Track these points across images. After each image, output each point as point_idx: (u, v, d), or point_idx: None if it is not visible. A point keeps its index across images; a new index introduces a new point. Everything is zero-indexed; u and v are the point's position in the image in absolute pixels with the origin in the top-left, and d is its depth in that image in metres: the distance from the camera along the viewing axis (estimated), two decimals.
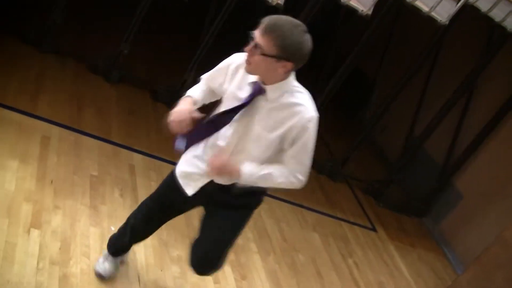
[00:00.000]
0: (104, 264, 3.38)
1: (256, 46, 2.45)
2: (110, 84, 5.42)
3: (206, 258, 3.01)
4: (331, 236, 5.28)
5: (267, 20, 2.46)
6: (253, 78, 2.63)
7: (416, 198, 6.86)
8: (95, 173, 4.20)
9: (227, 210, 2.98)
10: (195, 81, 5.49)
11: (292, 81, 2.66)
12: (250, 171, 2.72)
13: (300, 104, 2.62)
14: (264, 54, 2.45)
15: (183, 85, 5.58)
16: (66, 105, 4.79)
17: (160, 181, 4.38)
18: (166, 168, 4.64)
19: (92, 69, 5.42)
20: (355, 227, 5.74)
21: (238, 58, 2.74)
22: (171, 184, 3.05)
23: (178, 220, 4.14)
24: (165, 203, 3.16)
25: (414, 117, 7.24)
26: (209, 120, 2.81)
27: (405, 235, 6.31)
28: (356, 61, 5.89)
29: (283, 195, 5.38)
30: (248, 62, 2.53)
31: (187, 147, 2.90)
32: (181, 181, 2.97)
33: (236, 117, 2.68)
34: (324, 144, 7.07)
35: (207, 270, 3.08)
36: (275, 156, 2.76)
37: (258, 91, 2.62)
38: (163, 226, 3.96)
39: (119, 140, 4.69)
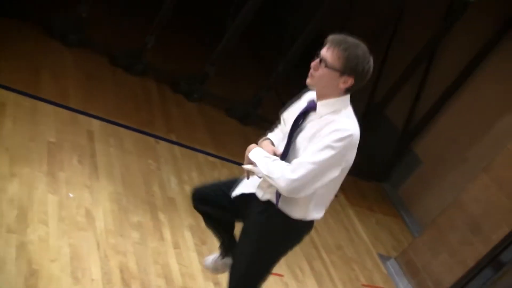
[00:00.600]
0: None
1: (321, 60, 2.49)
2: (67, 48, 5.31)
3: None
4: None
5: (333, 36, 2.51)
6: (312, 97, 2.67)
7: (376, 163, 6.94)
8: (52, 140, 4.13)
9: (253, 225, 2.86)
10: (156, 45, 5.52)
11: (346, 105, 2.64)
12: (256, 152, 2.75)
13: (341, 122, 2.57)
14: (328, 67, 2.48)
15: (143, 49, 5.52)
16: (22, 70, 4.68)
17: (118, 147, 4.40)
18: (125, 134, 4.62)
19: (49, 32, 5.29)
20: None
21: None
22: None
23: (137, 186, 4.15)
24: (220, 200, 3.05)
25: (375, 83, 7.28)
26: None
27: (364, 199, 6.40)
28: (319, 27, 5.87)
29: (237, 158, 5.38)
30: (311, 75, 2.56)
31: None
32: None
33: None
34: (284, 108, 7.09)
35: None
36: None
37: (311, 107, 2.64)
38: (122, 191, 3.98)
39: (76, 106, 4.61)
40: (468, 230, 4.88)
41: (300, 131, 2.66)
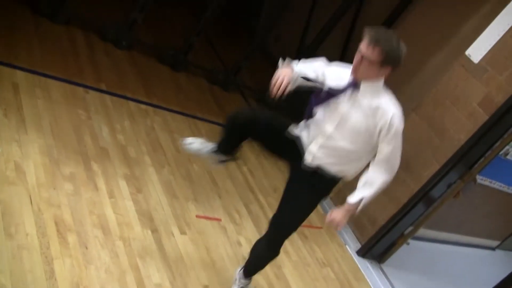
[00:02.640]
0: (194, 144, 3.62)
1: (363, 57, 2.86)
2: None
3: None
4: None
5: (371, 33, 2.86)
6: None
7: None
8: None
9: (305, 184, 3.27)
10: None
11: (382, 83, 3.02)
12: (360, 198, 3.14)
13: (385, 103, 3.00)
14: (370, 63, 2.86)
15: None
16: None
17: (46, 98, 4.26)
18: (52, 85, 4.48)
19: None
20: None
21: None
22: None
23: (68, 137, 4.05)
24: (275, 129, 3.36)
25: (305, 26, 7.27)
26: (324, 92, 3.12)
27: None
28: None
29: (176, 107, 5.33)
30: (356, 68, 2.93)
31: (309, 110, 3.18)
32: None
33: (334, 106, 3.06)
34: (216, 54, 7.01)
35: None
36: (362, 149, 3.13)
37: (353, 84, 3.00)
38: (52, 143, 3.88)
39: None
40: (400, 169, 4.95)
41: (348, 108, 3.02)
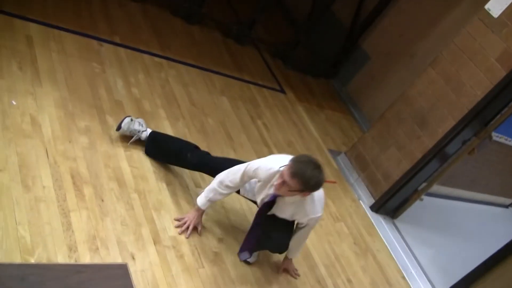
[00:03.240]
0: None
1: (284, 183, 3.13)
2: None
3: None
4: (240, 99, 5.29)
5: (292, 165, 3.10)
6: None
7: (324, 60, 6.93)
8: None
9: None
10: None
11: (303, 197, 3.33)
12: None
13: (309, 207, 3.39)
14: (291, 189, 3.15)
15: None
16: None
17: (60, 51, 4.24)
18: (66, 38, 4.46)
19: None
20: (264, 89, 5.77)
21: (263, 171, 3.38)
22: None
23: (83, 90, 4.05)
24: None
25: None
26: (254, 225, 3.57)
27: (313, 96, 6.42)
28: None
29: (190, 60, 5.30)
30: (277, 190, 3.21)
31: (250, 251, 3.62)
32: None
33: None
34: (230, 7, 6.93)
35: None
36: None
37: (274, 197, 3.38)
38: (67, 96, 3.88)
39: (11, 10, 4.38)
40: (415, 124, 4.97)
41: (275, 207, 3.45)
